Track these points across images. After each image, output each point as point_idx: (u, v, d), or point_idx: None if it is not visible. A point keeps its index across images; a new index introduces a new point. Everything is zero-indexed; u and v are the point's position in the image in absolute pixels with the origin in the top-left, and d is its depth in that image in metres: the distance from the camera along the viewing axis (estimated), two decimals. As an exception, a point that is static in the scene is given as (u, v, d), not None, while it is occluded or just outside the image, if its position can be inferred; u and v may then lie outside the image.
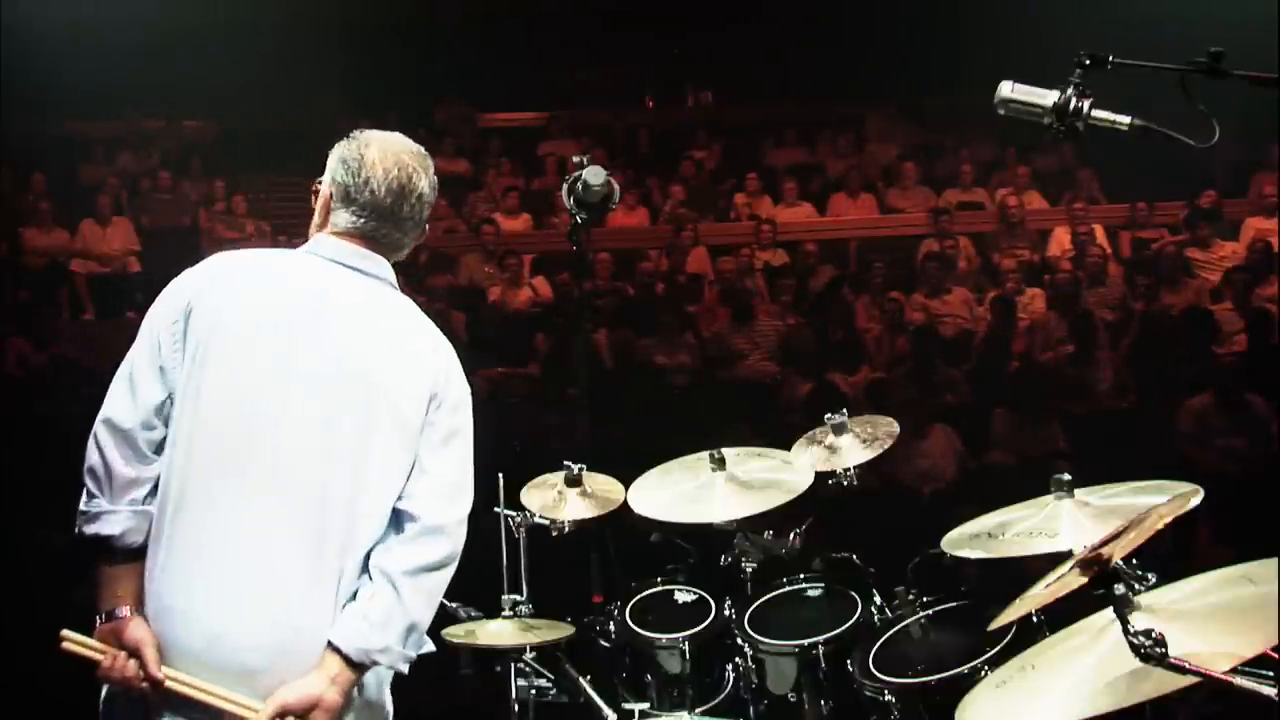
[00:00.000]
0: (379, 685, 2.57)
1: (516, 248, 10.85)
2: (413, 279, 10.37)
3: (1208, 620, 2.20)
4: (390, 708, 2.63)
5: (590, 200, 3.45)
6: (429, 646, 2.63)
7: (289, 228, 11.04)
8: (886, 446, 4.10)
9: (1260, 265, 9.52)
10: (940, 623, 3.72)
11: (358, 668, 2.43)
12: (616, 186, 3.52)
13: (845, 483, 4.02)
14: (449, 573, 2.54)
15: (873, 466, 4.14)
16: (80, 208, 11.01)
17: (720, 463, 4.09)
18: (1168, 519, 2.22)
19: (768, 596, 4.07)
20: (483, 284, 10.43)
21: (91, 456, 2.48)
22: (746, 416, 7.61)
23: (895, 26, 11.73)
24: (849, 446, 4.08)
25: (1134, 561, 2.32)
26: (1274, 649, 2.06)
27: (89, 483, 2.48)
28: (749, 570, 4.18)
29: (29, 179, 10.91)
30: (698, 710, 3.86)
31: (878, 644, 3.69)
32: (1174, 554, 2.59)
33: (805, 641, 3.79)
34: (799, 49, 12.83)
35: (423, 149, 2.69)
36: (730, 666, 3.98)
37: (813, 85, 13.13)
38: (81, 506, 2.49)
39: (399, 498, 2.49)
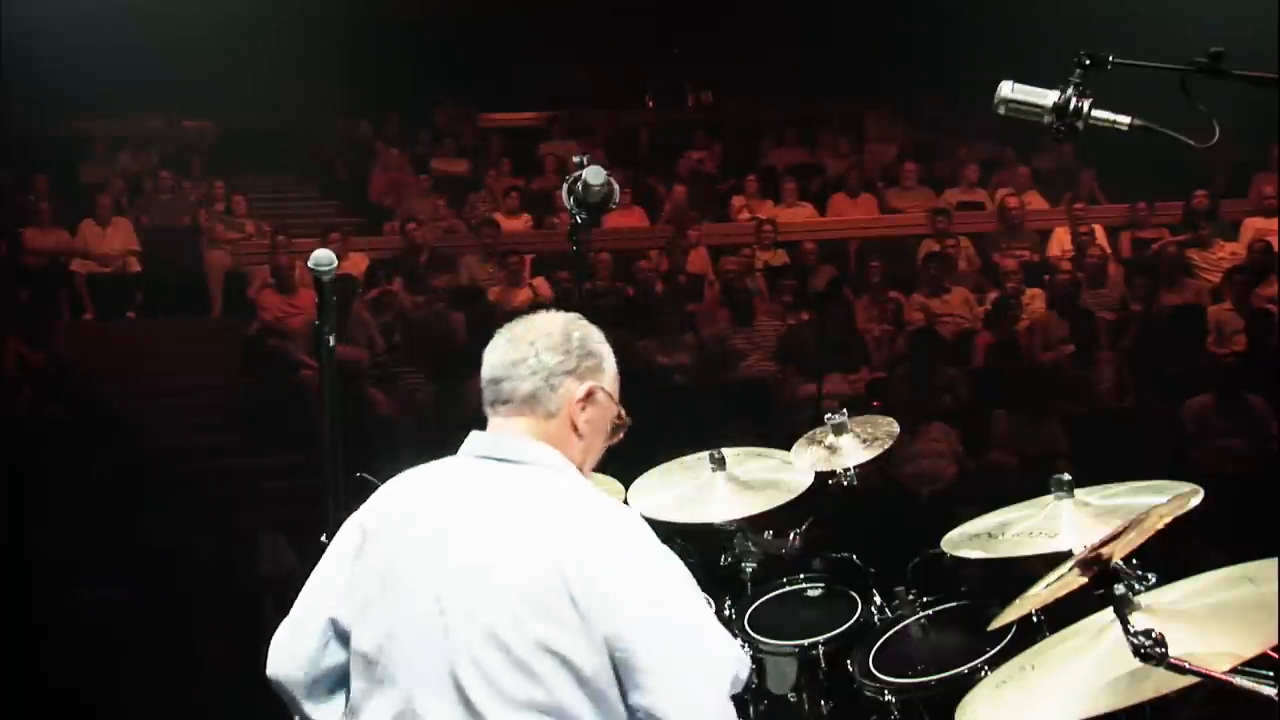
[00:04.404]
0: None
1: (516, 248, 10.83)
2: (413, 279, 10.38)
3: (1208, 620, 2.21)
4: None
5: (590, 200, 3.43)
6: None
7: (289, 228, 11.04)
8: (886, 446, 4.10)
9: (1260, 265, 9.51)
10: (940, 623, 3.72)
11: None
12: (616, 186, 3.51)
13: (845, 483, 4.02)
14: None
15: (873, 466, 4.14)
16: (80, 208, 10.98)
17: (720, 463, 4.09)
18: (1168, 519, 2.22)
19: (768, 596, 4.06)
20: (483, 284, 10.42)
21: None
22: (746, 416, 7.61)
23: (895, 26, 11.72)
24: (849, 446, 4.07)
25: (1134, 561, 2.32)
26: (1274, 649, 2.06)
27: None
28: (749, 570, 4.16)
29: (29, 179, 10.90)
30: (698, 710, 3.85)
31: (878, 644, 3.68)
32: (1172, 553, 2.58)
33: (805, 641, 3.78)
34: (799, 48, 12.82)
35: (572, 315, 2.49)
36: (730, 666, 3.97)
37: (813, 85, 13.11)
38: None
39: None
